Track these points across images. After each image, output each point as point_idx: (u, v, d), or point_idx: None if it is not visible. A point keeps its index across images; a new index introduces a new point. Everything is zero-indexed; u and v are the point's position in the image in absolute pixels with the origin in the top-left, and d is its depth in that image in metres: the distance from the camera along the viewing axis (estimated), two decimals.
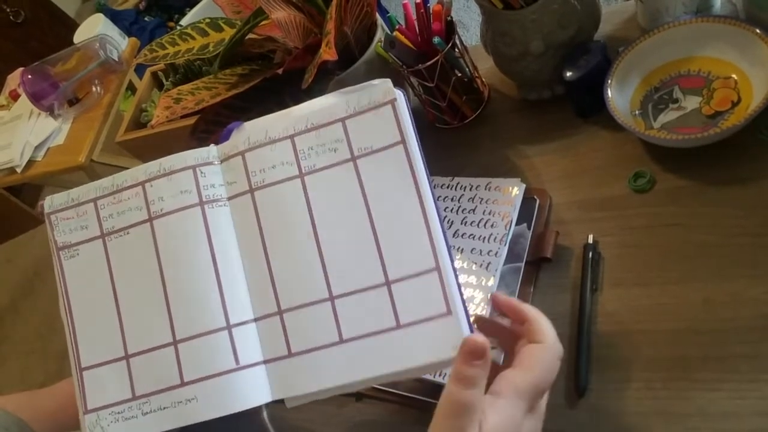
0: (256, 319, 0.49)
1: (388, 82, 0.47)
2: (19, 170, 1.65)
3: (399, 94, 0.47)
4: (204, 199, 0.50)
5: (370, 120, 0.47)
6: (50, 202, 0.54)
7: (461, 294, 0.44)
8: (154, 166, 0.51)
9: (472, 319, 0.44)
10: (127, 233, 0.52)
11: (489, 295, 0.64)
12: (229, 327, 0.48)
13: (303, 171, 0.49)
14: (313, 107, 0.49)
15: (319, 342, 0.46)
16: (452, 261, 0.45)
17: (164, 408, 0.48)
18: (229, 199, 0.51)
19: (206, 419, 0.47)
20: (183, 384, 0.48)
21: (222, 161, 0.51)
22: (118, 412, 0.50)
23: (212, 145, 0.52)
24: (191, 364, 0.48)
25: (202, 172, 0.51)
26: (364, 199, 0.47)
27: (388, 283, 0.45)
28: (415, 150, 0.46)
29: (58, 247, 0.54)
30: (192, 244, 0.50)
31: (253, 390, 0.47)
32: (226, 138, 0.52)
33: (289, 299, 0.48)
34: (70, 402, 0.58)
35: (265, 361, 0.48)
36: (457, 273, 0.45)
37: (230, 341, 0.48)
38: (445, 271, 0.44)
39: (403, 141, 0.46)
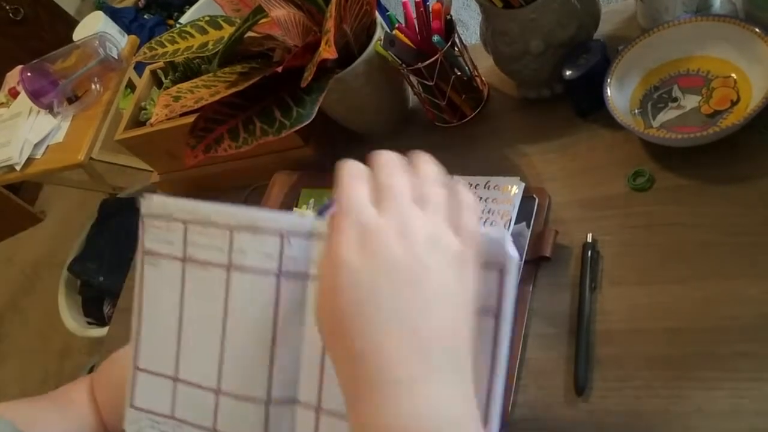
0: (294, 403, 0.47)
1: (507, 242, 0.41)
2: (18, 168, 1.65)
3: (512, 260, 0.41)
4: (283, 270, 0.47)
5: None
6: (147, 204, 0.53)
7: None
8: (246, 215, 0.48)
9: None
10: (205, 269, 0.50)
11: None
12: (267, 402, 0.47)
13: None
14: None
15: None
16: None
17: None
18: (308, 278, 0.48)
19: None
20: (214, 431, 0.49)
21: (312, 236, 0.47)
22: (156, 422, 0.51)
23: (311, 214, 0.49)
24: (225, 418, 0.49)
25: (290, 242, 0.47)
26: None
27: None
28: (506, 327, 0.41)
29: (144, 251, 0.53)
30: (259, 311, 0.48)
31: None
32: (327, 209, 0.48)
33: (329, 402, 0.46)
34: (68, 409, 0.57)
35: None
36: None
37: (264, 416, 0.47)
38: None
39: (498, 314, 0.42)
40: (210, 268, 0.50)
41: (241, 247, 0.48)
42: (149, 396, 0.52)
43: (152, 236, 0.52)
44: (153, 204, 0.52)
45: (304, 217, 0.48)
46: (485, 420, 0.41)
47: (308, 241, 0.47)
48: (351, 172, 0.39)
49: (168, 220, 0.52)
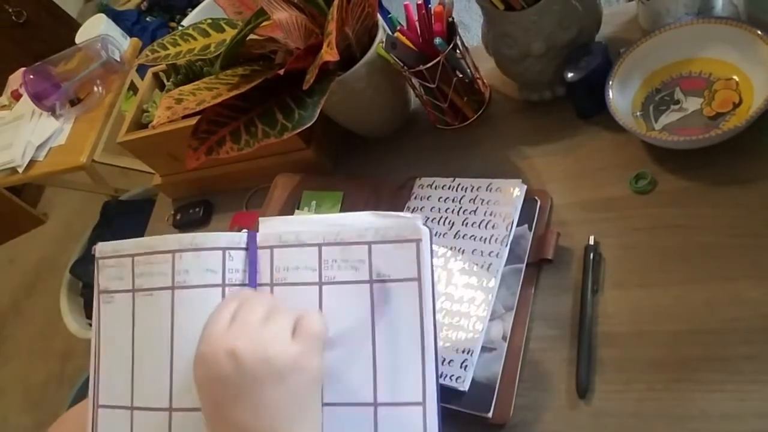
0: None
1: (418, 220, 0.49)
2: (20, 170, 1.65)
3: (426, 234, 0.49)
4: (227, 282, 0.52)
5: (393, 251, 0.50)
6: (101, 249, 0.57)
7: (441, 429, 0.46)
8: (187, 238, 0.53)
9: None
10: (151, 294, 0.53)
11: (490, 296, 0.64)
12: None
13: (323, 280, 0.51)
14: (345, 221, 0.52)
15: None
16: (439, 400, 0.47)
17: None
18: (252, 287, 0.52)
19: None
20: None
21: (254, 248, 0.53)
22: None
23: (245, 231, 0.53)
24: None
25: (230, 256, 0.52)
26: (372, 322, 0.49)
27: (375, 405, 0.47)
28: (428, 290, 0.48)
29: (100, 290, 0.56)
30: (205, 322, 0.51)
31: None
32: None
33: None
34: None
35: None
36: (440, 405, 0.47)
37: None
38: (429, 408, 0.47)
39: (418, 279, 0.49)
40: (155, 293, 0.53)
41: (184, 268, 0.52)
42: (109, 430, 0.53)
43: (106, 275, 0.56)
44: (104, 247, 0.57)
45: (241, 234, 0.54)
46: (423, 393, 0.47)
47: (246, 252, 0.53)
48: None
49: (118, 258, 0.56)
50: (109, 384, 0.55)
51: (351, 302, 0.50)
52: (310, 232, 0.52)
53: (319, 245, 0.52)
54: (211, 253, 0.52)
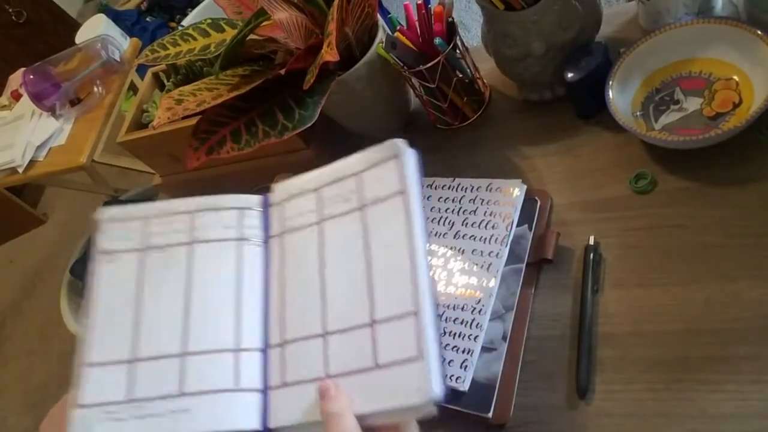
0: (262, 349, 0.52)
1: (399, 141, 0.52)
2: (20, 170, 1.65)
3: (407, 150, 0.52)
4: (243, 236, 0.56)
5: (378, 173, 0.53)
6: (105, 211, 0.59)
7: (439, 341, 0.45)
8: (207, 200, 0.58)
9: None
10: (165, 251, 0.56)
11: (490, 296, 0.64)
12: (237, 350, 0.51)
13: (322, 218, 0.55)
14: (343, 164, 0.55)
15: (309, 376, 0.49)
16: (435, 309, 0.47)
17: (157, 415, 0.50)
18: (265, 241, 0.57)
19: None
20: (180, 395, 0.50)
21: (266, 208, 0.59)
22: (109, 412, 0.51)
23: (260, 196, 0.59)
24: (193, 377, 0.50)
25: (246, 215, 0.58)
26: (365, 243, 0.51)
27: (372, 324, 0.48)
28: (414, 200, 0.50)
29: (99, 251, 0.57)
30: (222, 272, 0.54)
31: (244, 413, 0.49)
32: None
33: (291, 332, 0.51)
34: None
35: (262, 390, 0.50)
36: (440, 317, 0.48)
37: (234, 363, 0.51)
38: (422, 315, 0.45)
39: (403, 191, 0.50)
40: (170, 249, 0.56)
41: (203, 224, 0.57)
42: (101, 389, 0.52)
43: (109, 236, 0.58)
44: (111, 211, 0.59)
45: (257, 197, 0.59)
46: (416, 305, 0.46)
47: (261, 211, 0.59)
48: None
49: (125, 221, 0.58)
50: (103, 342, 0.54)
51: (346, 231, 0.53)
52: (312, 180, 0.57)
53: (318, 189, 0.56)
54: (230, 212, 0.58)
